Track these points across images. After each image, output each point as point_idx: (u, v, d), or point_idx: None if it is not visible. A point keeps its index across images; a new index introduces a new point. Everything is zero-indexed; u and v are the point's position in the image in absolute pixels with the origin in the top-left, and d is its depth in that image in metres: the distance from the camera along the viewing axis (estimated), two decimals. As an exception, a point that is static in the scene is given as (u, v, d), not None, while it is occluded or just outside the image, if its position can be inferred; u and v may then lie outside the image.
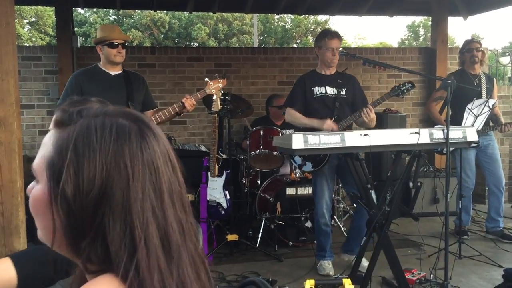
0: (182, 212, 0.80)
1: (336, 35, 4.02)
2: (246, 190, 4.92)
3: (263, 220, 4.67)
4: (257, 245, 4.55)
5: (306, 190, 4.68)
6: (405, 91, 3.85)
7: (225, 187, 4.31)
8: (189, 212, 0.82)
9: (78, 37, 6.13)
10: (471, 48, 4.80)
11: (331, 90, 4.02)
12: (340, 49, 3.99)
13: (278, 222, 4.58)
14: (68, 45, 5.64)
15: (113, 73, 3.67)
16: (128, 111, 0.83)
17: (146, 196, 0.74)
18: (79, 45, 5.87)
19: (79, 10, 19.97)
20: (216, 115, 4.15)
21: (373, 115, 3.82)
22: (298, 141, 3.00)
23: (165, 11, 22.56)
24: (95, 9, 24.20)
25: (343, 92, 4.03)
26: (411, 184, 3.42)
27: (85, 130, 0.76)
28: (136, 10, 22.13)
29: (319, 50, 4.08)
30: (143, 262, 0.72)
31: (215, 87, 3.76)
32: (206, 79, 3.79)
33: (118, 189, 0.74)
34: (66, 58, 5.61)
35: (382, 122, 5.66)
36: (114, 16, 26.33)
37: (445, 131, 3.20)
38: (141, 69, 5.78)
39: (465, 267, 4.07)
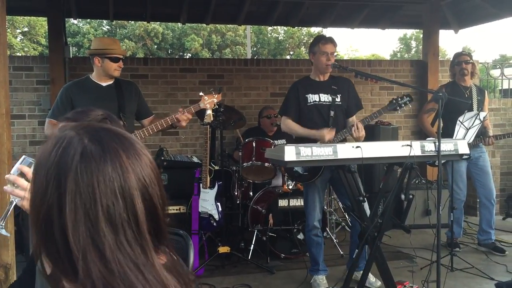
0: (133, 241, 0.74)
1: (330, 40, 3.91)
2: (238, 202, 4.90)
3: (255, 232, 4.65)
4: (249, 257, 4.52)
5: (298, 202, 4.66)
6: (403, 105, 3.73)
7: (217, 198, 4.29)
8: (151, 239, 0.77)
9: (71, 47, 6.11)
10: (460, 61, 4.84)
11: (325, 97, 3.92)
12: (333, 62, 3.88)
13: (270, 234, 4.56)
14: (60, 55, 5.62)
15: (104, 84, 3.65)
16: (107, 129, 0.81)
17: (80, 223, 0.72)
18: (71, 56, 5.85)
19: (72, 20, 19.99)
20: (208, 126, 4.14)
21: (362, 133, 3.70)
22: (290, 153, 2.99)
23: (159, 22, 22.62)
24: (88, 20, 24.21)
25: (338, 99, 3.93)
26: (403, 197, 3.41)
27: (47, 145, 0.79)
28: (129, 21, 22.22)
29: (313, 56, 3.97)
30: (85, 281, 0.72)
31: (209, 102, 3.72)
32: (201, 93, 3.75)
33: (54, 209, 0.74)
34: (58, 69, 5.58)
35: (375, 134, 5.70)
36: (107, 27, 26.39)
37: (437, 143, 3.21)
38: (134, 79, 5.72)
39: (457, 280, 4.06)
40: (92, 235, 0.72)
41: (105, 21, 23.64)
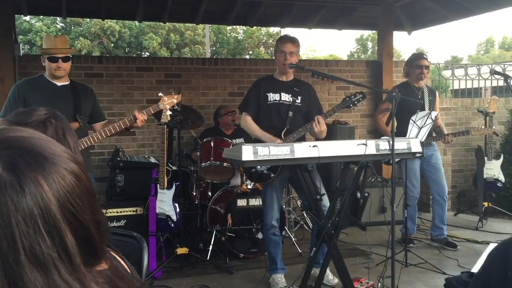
0: (71, 277, 0.65)
1: (288, 39, 3.92)
2: (196, 202, 4.86)
3: (214, 232, 4.63)
4: (208, 258, 4.49)
5: (257, 202, 4.67)
6: (356, 102, 3.81)
7: (175, 199, 4.24)
8: (85, 268, 0.68)
9: (22, 45, 5.90)
10: (421, 65, 4.93)
11: (286, 97, 3.94)
12: (291, 63, 3.87)
13: (229, 234, 4.54)
14: (10, 53, 5.41)
15: (59, 84, 3.53)
16: (24, 149, 0.68)
17: None
18: (21, 54, 5.65)
19: (24, 17, 19.29)
20: (165, 126, 4.09)
21: (324, 127, 3.76)
22: (247, 152, 2.99)
23: (115, 20, 22.19)
24: (41, 17, 23.46)
25: (298, 101, 3.95)
26: (358, 195, 3.47)
27: None
28: (84, 19, 21.67)
29: (275, 54, 4.04)
30: None
31: (168, 102, 3.66)
32: (160, 94, 3.68)
33: None
34: (7, 67, 5.37)
35: (332, 133, 5.78)
36: (61, 24, 25.65)
37: (391, 142, 3.28)
38: (88, 78, 5.63)
39: (411, 275, 4.17)
40: (16, 283, 0.61)
41: (59, 18, 22.95)
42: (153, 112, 3.64)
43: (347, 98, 3.84)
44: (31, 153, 0.67)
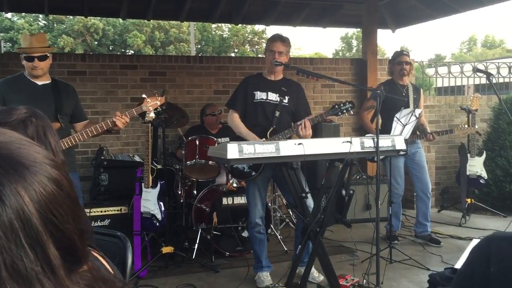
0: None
1: (278, 38, 3.91)
2: (182, 201, 4.83)
3: (200, 231, 4.61)
4: (193, 257, 4.47)
5: (242, 200, 4.66)
6: (344, 111, 3.84)
7: (160, 198, 4.21)
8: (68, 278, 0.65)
9: (4, 43, 5.81)
10: (401, 61, 4.98)
11: (273, 97, 3.93)
12: (275, 60, 3.87)
13: (215, 232, 4.53)
14: (-9, 51, 5.33)
15: (40, 83, 3.47)
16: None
17: None
18: (3, 52, 5.56)
19: (5, 14, 19.01)
20: (150, 124, 4.05)
21: (309, 132, 3.73)
22: (233, 150, 2.98)
23: (99, 17, 21.96)
24: (22, 14, 23.12)
25: (285, 100, 3.95)
26: (343, 192, 3.48)
27: None
28: (67, 16, 21.41)
29: (265, 53, 4.04)
30: None
31: (152, 104, 3.62)
32: (144, 95, 3.64)
33: None
34: (-12, 65, 5.29)
35: (317, 130, 5.78)
36: (44, 22, 25.33)
37: (375, 139, 3.30)
38: (71, 76, 5.56)
39: (396, 271, 4.21)
40: None
41: (41, 16, 22.66)
42: (135, 115, 3.61)
43: (336, 106, 3.87)
44: (11, 161, 0.63)
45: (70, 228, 0.66)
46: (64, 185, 0.67)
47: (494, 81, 5.58)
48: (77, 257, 0.68)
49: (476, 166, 5.96)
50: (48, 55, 3.47)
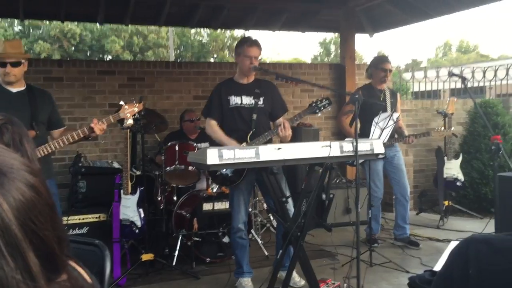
0: None
1: (255, 43, 3.89)
2: (162, 207, 4.79)
3: (180, 237, 4.57)
4: (174, 264, 4.43)
5: (223, 205, 4.64)
6: (322, 108, 3.84)
7: (139, 204, 4.17)
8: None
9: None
10: (385, 68, 5.01)
11: (247, 100, 3.92)
12: (254, 66, 3.87)
13: (195, 238, 4.50)
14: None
15: (14, 90, 3.39)
16: None
17: None
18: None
19: (-21, 19, 18.65)
20: (129, 130, 4.01)
21: (289, 132, 3.75)
22: (212, 156, 2.97)
23: (76, 22, 21.72)
24: (-3, 19, 22.70)
25: (260, 102, 3.93)
26: (324, 196, 3.50)
27: None
28: (44, 21, 21.13)
29: (238, 57, 3.95)
30: None
31: (130, 111, 3.58)
32: (121, 102, 3.60)
33: None
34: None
35: (296, 135, 5.80)
36: (19, 27, 24.92)
37: (354, 143, 3.32)
38: (47, 82, 5.48)
39: (376, 274, 4.23)
40: None
41: (16, 21, 22.29)
42: (113, 121, 3.56)
43: (313, 104, 3.87)
44: None
45: (49, 235, 0.65)
46: (42, 191, 0.66)
47: (469, 85, 5.69)
48: (56, 265, 0.67)
49: (452, 169, 6.06)
50: (23, 61, 3.40)
